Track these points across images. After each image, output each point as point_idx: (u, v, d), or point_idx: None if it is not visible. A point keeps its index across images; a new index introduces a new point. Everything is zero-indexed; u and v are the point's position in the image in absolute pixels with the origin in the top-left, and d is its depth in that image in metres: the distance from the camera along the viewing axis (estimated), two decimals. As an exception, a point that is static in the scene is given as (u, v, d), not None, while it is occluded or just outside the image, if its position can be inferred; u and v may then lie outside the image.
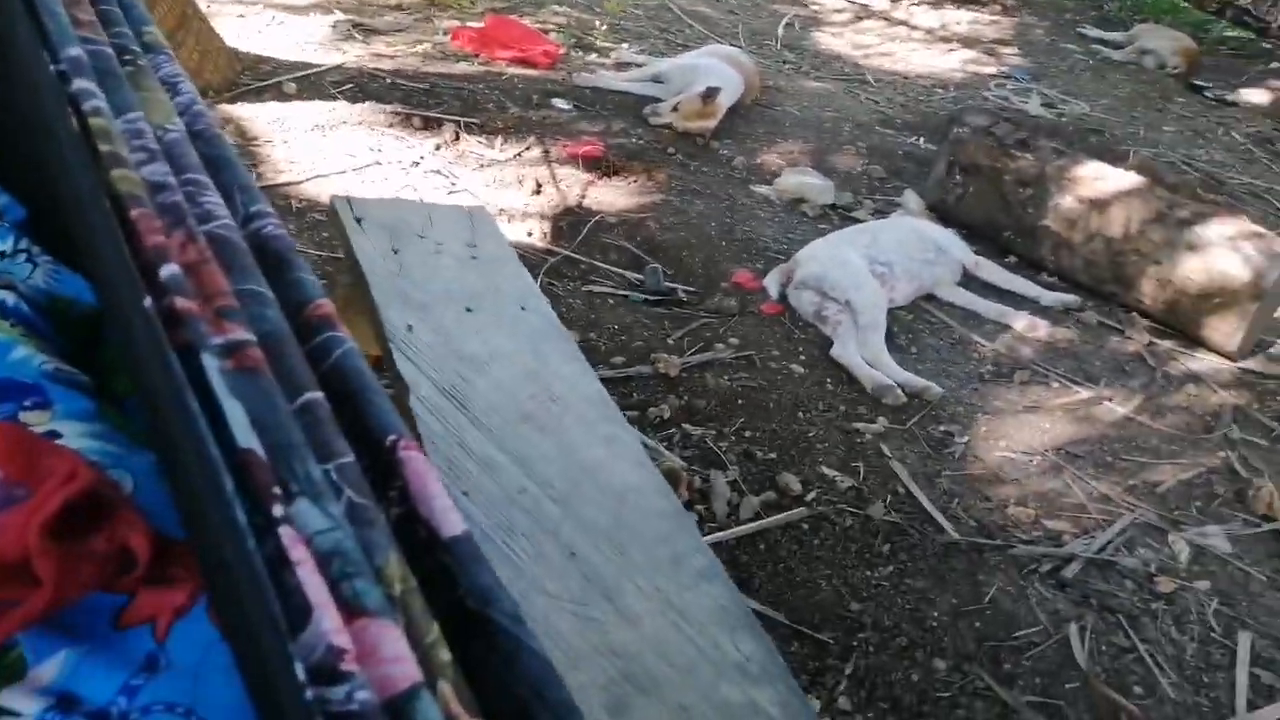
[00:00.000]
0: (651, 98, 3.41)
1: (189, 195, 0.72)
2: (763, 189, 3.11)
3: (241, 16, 3.57)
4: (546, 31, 3.93)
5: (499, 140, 3.02)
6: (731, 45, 4.17)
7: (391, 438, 0.59)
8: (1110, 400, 2.26)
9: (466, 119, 3.06)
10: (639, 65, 3.77)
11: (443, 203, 2.52)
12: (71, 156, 0.75)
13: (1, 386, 0.79)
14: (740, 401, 2.07)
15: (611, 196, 2.86)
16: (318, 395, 0.60)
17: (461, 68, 3.46)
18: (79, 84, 0.73)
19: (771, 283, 2.52)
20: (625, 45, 4.03)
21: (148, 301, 0.59)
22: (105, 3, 0.90)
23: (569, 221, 2.68)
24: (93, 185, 0.68)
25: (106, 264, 0.69)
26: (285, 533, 0.48)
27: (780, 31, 4.84)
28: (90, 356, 0.89)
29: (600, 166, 2.99)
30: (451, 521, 0.56)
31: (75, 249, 0.88)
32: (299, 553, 0.47)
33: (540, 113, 3.24)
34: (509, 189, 2.79)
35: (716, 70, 3.44)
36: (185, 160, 0.76)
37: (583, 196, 2.83)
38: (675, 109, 3.27)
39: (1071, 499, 1.88)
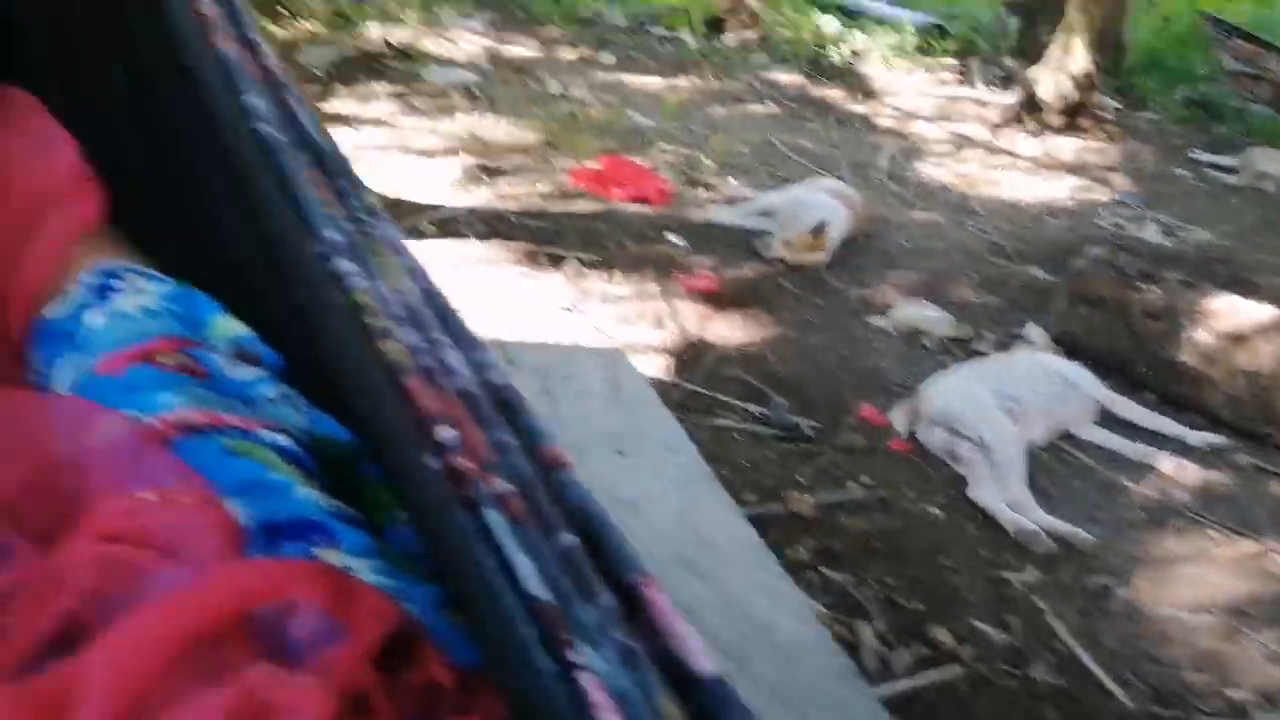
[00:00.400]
0: (762, 231, 3.48)
1: (435, 354, 0.77)
2: (879, 321, 3.11)
3: (377, 162, 3.80)
4: (658, 169, 4.08)
5: (618, 275, 3.11)
6: (835, 179, 4.26)
7: (636, 577, 0.60)
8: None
9: (589, 255, 3.16)
10: (747, 200, 3.88)
11: (581, 342, 2.58)
12: (343, 329, 0.80)
13: (293, 525, 0.83)
14: (877, 544, 2.02)
15: (729, 329, 2.90)
16: (574, 539, 0.62)
17: (581, 205, 3.60)
18: (340, 264, 0.79)
19: (899, 419, 2.49)
20: (733, 181, 4.15)
21: (431, 461, 0.62)
22: (336, 178, 0.98)
23: (690, 354, 2.71)
24: (365, 354, 0.74)
25: (388, 425, 0.74)
26: (584, 678, 0.49)
27: (882, 163, 4.92)
28: (347, 491, 0.93)
29: (716, 300, 3.04)
30: (704, 663, 0.57)
31: (338, 401, 0.94)
32: (599, 697, 0.49)
33: (656, 247, 3.34)
34: (631, 323, 2.85)
35: (824, 204, 3.51)
36: (424, 320, 0.82)
37: (701, 329, 2.88)
38: (786, 243, 3.33)
39: (1251, 664, 1.76)
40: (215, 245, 1.23)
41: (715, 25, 6.35)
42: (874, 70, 6.22)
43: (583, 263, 3.11)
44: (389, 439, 0.77)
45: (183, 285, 1.17)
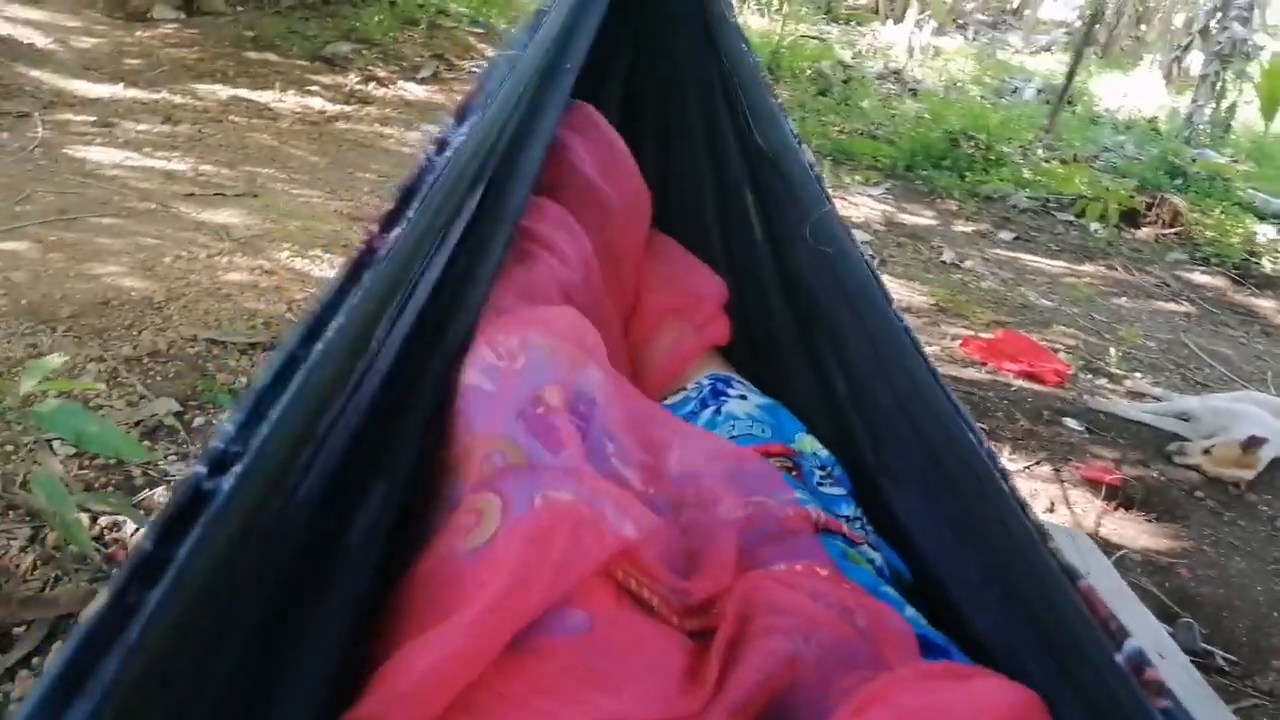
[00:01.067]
0: (1176, 435, 3.17)
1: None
2: (1317, 560, 2.67)
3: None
4: (1055, 350, 3.89)
5: (1007, 450, 2.97)
6: (1264, 392, 3.79)
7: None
8: None
9: (978, 425, 3.05)
10: (1155, 398, 3.56)
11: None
12: (1009, 519, 0.93)
13: (928, 644, 0.92)
14: (1314, 819, 1.68)
15: (1132, 532, 2.63)
16: None
17: (970, 373, 3.51)
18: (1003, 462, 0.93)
19: (1345, 677, 2.09)
20: (1139, 375, 3.84)
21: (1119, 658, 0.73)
22: None
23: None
24: (1039, 545, 0.85)
25: (1069, 620, 0.81)
26: None
27: (1321, 387, 4.31)
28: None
29: (1118, 496, 2.79)
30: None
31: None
32: None
33: (1050, 429, 3.15)
34: (1019, 501, 2.68)
35: (1260, 418, 3.12)
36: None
37: (1099, 525, 2.64)
38: (1207, 451, 2.99)
39: None
40: (833, 384, 1.45)
41: (1130, 219, 6.04)
42: (1315, 285, 5.55)
43: (971, 429, 3.01)
44: (1061, 634, 0.84)
45: (775, 401, 1.40)
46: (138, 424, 2.27)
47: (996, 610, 1.01)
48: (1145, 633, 1.44)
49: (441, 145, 1.07)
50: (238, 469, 0.70)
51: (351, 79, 5.96)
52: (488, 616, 0.79)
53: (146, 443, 2.21)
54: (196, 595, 0.65)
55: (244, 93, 5.27)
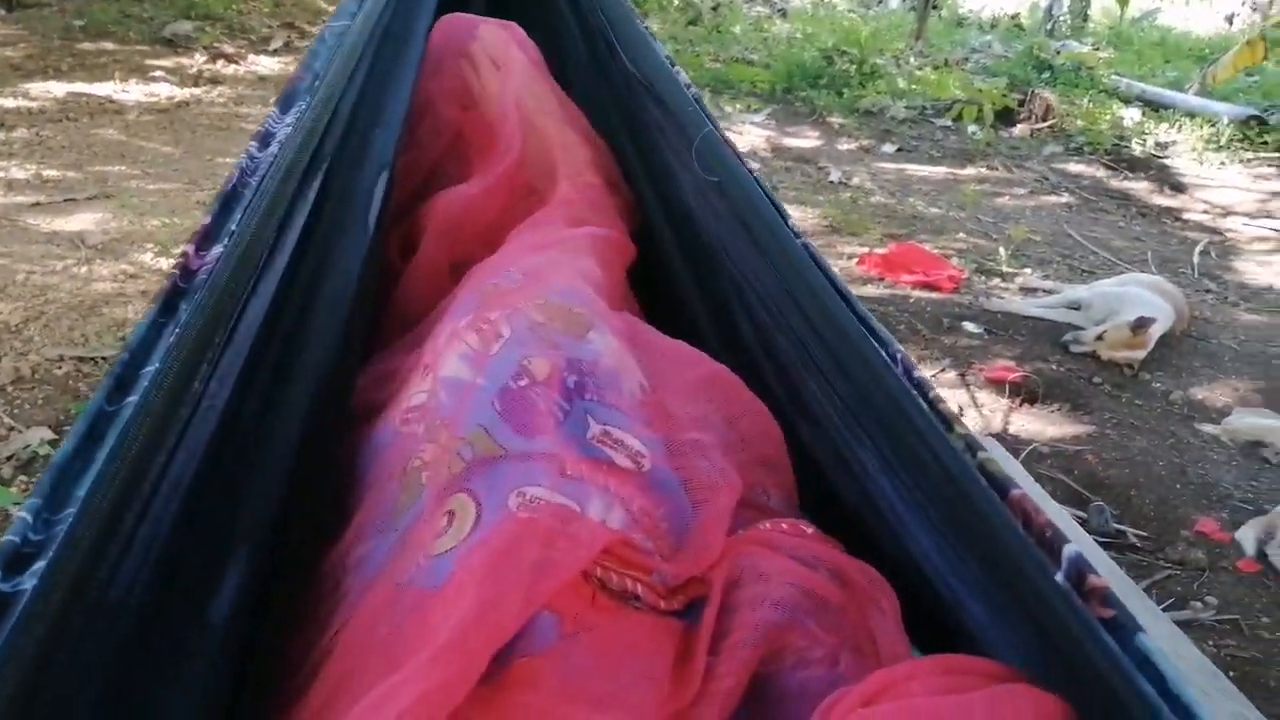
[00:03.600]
0: (1070, 325, 3.26)
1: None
2: (1210, 428, 2.79)
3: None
4: (948, 257, 3.96)
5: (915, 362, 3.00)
6: (1145, 273, 3.94)
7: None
8: None
9: (880, 338, 3.09)
10: (1047, 291, 3.66)
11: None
12: (933, 442, 0.86)
13: None
14: (1232, 674, 1.77)
15: (1039, 425, 2.71)
16: None
17: (869, 290, 3.54)
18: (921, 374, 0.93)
19: (1247, 538, 2.20)
20: (1029, 271, 3.94)
21: (1060, 576, 0.68)
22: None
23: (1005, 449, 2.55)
24: (968, 465, 0.80)
25: (1005, 541, 0.79)
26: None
27: (1195, 259, 4.51)
28: None
29: (1021, 392, 2.86)
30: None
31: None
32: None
33: (951, 337, 3.20)
34: (929, 410, 2.73)
35: (1145, 299, 3.24)
36: None
37: (1007, 423, 2.71)
38: (1100, 337, 3.09)
39: None
40: (737, 326, 1.38)
41: (1005, 118, 6.16)
42: (1182, 163, 5.77)
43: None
44: (1008, 555, 0.81)
45: None
46: (9, 459, 2.11)
47: (932, 536, 0.98)
48: (1057, 522, 1.47)
49: (265, 139, 0.96)
50: (40, 565, 0.60)
51: (198, 59, 5.61)
52: (457, 649, 0.72)
53: (22, 478, 2.06)
54: (10, 709, 0.57)
55: (81, 87, 4.91)
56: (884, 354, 1.00)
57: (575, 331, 1.03)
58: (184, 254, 0.82)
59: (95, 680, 0.69)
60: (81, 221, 3.33)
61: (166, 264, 3.06)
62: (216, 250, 0.84)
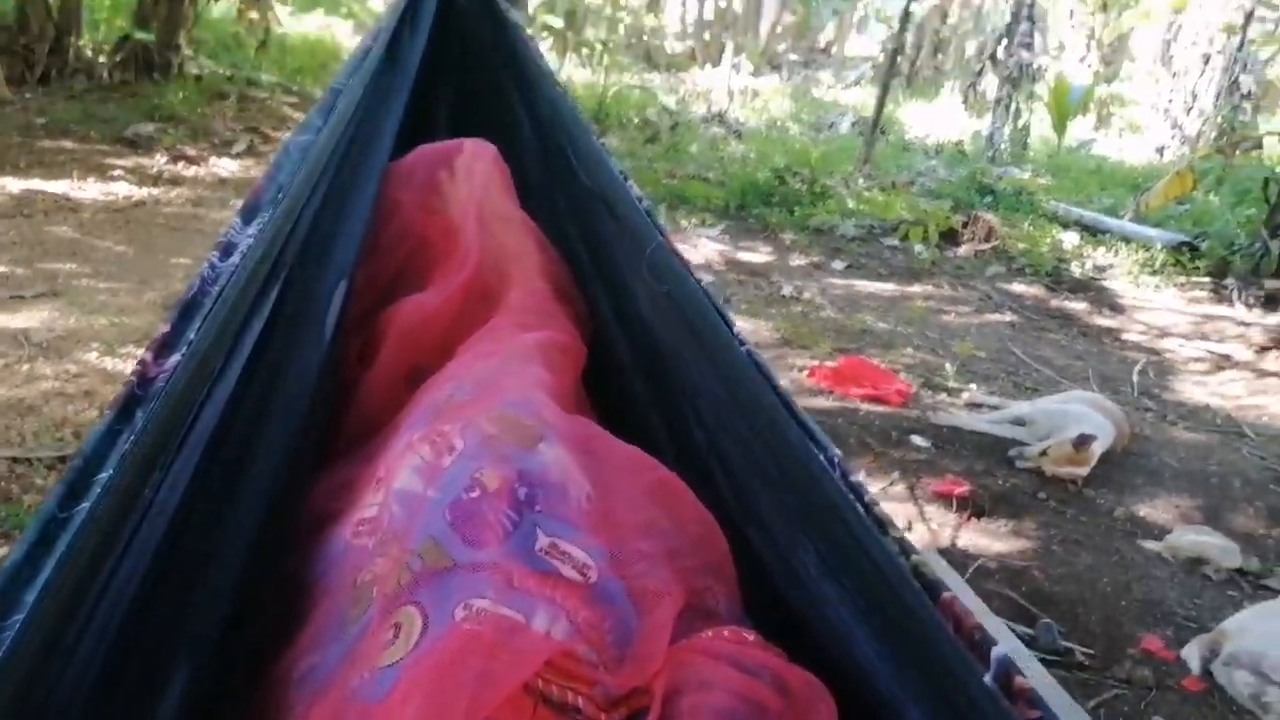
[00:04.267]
0: (1015, 440, 3.32)
1: None
2: (1152, 545, 2.83)
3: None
4: (896, 371, 4.04)
5: (862, 475, 3.03)
6: (1086, 391, 4.05)
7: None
8: None
9: (830, 451, 3.12)
10: (992, 407, 3.74)
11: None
12: (869, 546, 0.87)
13: None
14: (1182, 801, 1.75)
15: (986, 540, 2.72)
16: None
17: (819, 402, 3.59)
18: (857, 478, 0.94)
19: (1192, 655, 2.20)
20: (974, 387, 4.03)
21: (988, 678, 0.71)
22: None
23: (946, 562, 2.55)
24: (903, 569, 0.82)
25: (937, 643, 0.81)
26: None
27: (1135, 378, 4.64)
28: None
29: (968, 507, 2.88)
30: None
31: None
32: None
33: (900, 450, 3.24)
34: (878, 524, 2.74)
35: (1087, 416, 3.32)
36: None
37: (955, 537, 2.72)
38: (1044, 453, 3.15)
39: None
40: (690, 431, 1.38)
41: (949, 238, 6.39)
42: (1119, 286, 6.01)
43: (826, 458, 3.06)
44: (940, 659, 0.83)
45: None
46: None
47: (873, 642, 0.99)
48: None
49: (227, 250, 0.97)
50: None
51: (159, 159, 5.65)
52: None
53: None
54: None
55: (38, 184, 4.91)
56: (822, 458, 1.03)
57: (526, 443, 1.04)
58: (142, 361, 0.83)
59: None
60: (27, 319, 3.28)
61: (111, 364, 3.01)
62: (174, 359, 0.85)
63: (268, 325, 1.09)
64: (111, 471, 0.74)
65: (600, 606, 0.96)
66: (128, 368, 3.00)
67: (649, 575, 1.03)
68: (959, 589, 1.78)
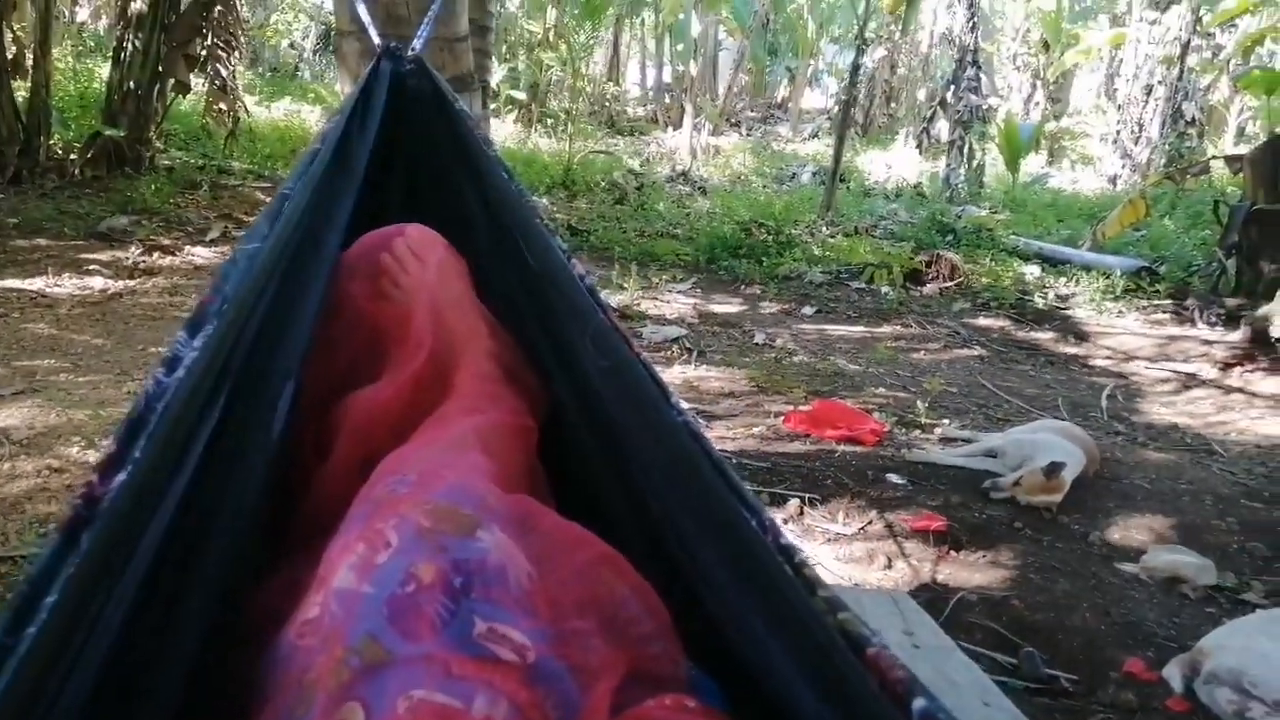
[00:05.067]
0: (987, 472, 3.39)
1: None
2: (1129, 567, 2.88)
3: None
4: (870, 411, 4.11)
5: (841, 515, 3.08)
6: (1056, 419, 4.13)
7: None
8: None
9: (809, 494, 3.17)
10: (965, 440, 3.81)
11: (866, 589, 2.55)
12: (799, 607, 0.93)
13: None
14: (1171, 817, 1.78)
15: (965, 572, 2.77)
16: None
17: (796, 446, 3.65)
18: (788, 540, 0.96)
19: (1174, 675, 2.24)
20: (947, 421, 4.11)
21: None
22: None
23: (927, 598, 2.59)
24: (830, 628, 0.86)
25: (865, 703, 0.84)
26: None
27: (1104, 403, 4.74)
28: None
29: (947, 541, 2.93)
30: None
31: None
32: None
33: (877, 488, 3.30)
34: (860, 564, 2.78)
35: (1056, 444, 3.39)
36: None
37: (935, 571, 2.76)
38: (1017, 484, 3.21)
39: None
40: (645, 502, 1.44)
41: (914, 278, 6.53)
42: (1083, 314, 6.15)
43: (805, 502, 3.12)
44: (861, 711, 0.87)
45: None
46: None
47: (817, 703, 1.03)
48: (973, 685, 1.50)
49: (172, 364, 1.00)
50: None
51: (133, 251, 5.71)
52: None
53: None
54: None
55: (12, 283, 4.94)
56: (754, 523, 1.07)
57: (463, 532, 1.07)
58: (88, 482, 0.84)
59: None
60: (6, 418, 3.30)
61: (93, 457, 3.03)
62: (120, 477, 0.87)
63: (213, 435, 1.10)
64: (57, 595, 0.76)
65: (540, 686, 0.98)
66: (109, 460, 3.02)
67: (589, 650, 1.07)
68: (925, 626, 1.81)
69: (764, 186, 10.61)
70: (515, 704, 0.94)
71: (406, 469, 1.24)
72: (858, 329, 5.68)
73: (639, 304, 5.75)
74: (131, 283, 5.19)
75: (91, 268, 5.33)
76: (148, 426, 0.94)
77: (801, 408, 4.08)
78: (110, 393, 3.61)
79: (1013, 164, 10.67)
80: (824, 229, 7.95)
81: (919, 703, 0.77)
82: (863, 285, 6.52)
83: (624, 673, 1.04)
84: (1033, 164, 12.27)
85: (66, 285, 5.02)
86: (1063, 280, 6.74)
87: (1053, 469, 3.17)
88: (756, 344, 5.24)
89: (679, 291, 6.27)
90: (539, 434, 1.56)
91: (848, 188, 10.28)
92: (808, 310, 6.03)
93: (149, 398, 0.97)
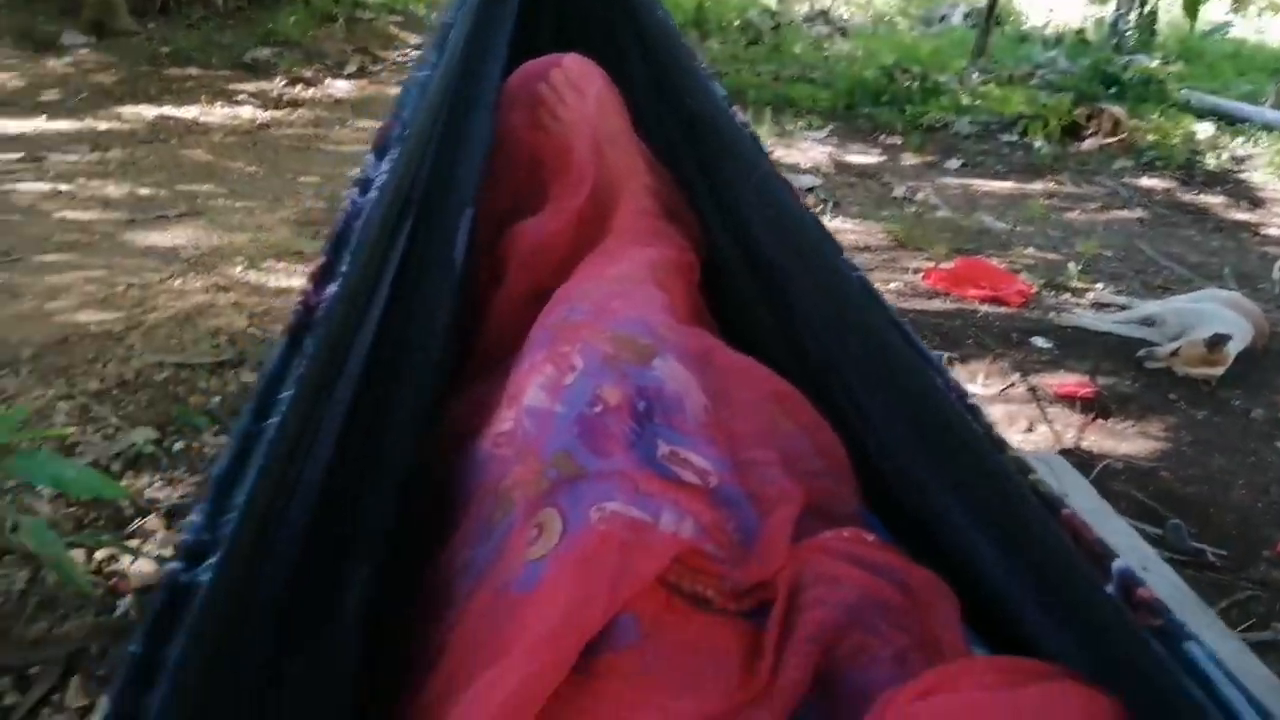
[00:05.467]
0: (1143, 341, 3.22)
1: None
2: (1293, 446, 2.74)
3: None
4: (1016, 271, 3.94)
5: (981, 376, 3.00)
6: (1222, 289, 3.87)
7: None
8: None
9: (948, 354, 3.09)
10: (1119, 306, 3.62)
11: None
12: (988, 464, 0.94)
13: None
14: (1318, 695, 1.74)
15: (1112, 441, 2.68)
16: None
17: (935, 304, 3.55)
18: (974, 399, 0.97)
19: (1332, 557, 2.16)
20: (1100, 286, 3.90)
21: (1110, 588, 0.73)
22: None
23: (1071, 463, 2.53)
24: (1021, 486, 0.86)
25: (1057, 556, 0.84)
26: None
27: (1275, 274, 4.40)
28: None
29: (1094, 408, 2.84)
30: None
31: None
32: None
33: (1020, 351, 3.19)
34: (1000, 427, 2.72)
35: (1222, 315, 3.19)
36: None
37: (1080, 438, 2.69)
38: (1175, 354, 3.05)
39: None
40: (805, 348, 1.42)
41: (1072, 132, 6.10)
42: (1260, 177, 5.66)
43: (944, 361, 3.04)
44: (1065, 569, 0.86)
45: None
46: (117, 456, 2.22)
47: (991, 550, 1.03)
48: (1131, 551, 1.47)
49: (365, 185, 1.05)
50: (212, 559, 0.69)
51: (278, 83, 5.83)
52: (551, 642, 0.80)
53: (131, 473, 2.17)
54: (190, 694, 0.65)
55: (170, 110, 5.14)
56: (939, 381, 1.06)
57: (641, 360, 1.10)
58: (304, 291, 0.91)
59: (251, 667, 0.78)
60: (174, 237, 3.49)
61: (255, 277, 3.20)
62: (330, 289, 0.92)
63: (404, 256, 1.17)
64: (291, 391, 0.82)
65: (722, 509, 1.01)
66: (269, 280, 3.18)
67: (767, 481, 1.08)
68: (1080, 488, 1.77)
69: (910, 28, 9.95)
70: (700, 524, 0.96)
71: (579, 299, 1.26)
72: (1006, 185, 5.38)
73: (772, 151, 5.55)
74: (278, 113, 5.32)
75: (240, 98, 5.47)
76: (349, 243, 0.98)
77: (943, 265, 3.93)
78: (266, 218, 3.76)
79: (1191, 9, 9.64)
80: (974, 76, 7.43)
81: (1118, 563, 0.76)
82: (1014, 138, 6.13)
83: (802, 505, 1.06)
84: (1214, 10, 11.08)
85: (218, 114, 5.18)
86: (1239, 140, 6.18)
87: (1216, 340, 2.99)
88: (895, 197, 5.03)
89: (814, 139, 6.03)
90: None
91: (1003, 31, 9.54)
92: (952, 163, 5.73)
93: (348, 216, 1.01)
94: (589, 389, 1.04)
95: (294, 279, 3.20)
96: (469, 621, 0.91)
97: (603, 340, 1.11)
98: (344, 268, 0.95)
